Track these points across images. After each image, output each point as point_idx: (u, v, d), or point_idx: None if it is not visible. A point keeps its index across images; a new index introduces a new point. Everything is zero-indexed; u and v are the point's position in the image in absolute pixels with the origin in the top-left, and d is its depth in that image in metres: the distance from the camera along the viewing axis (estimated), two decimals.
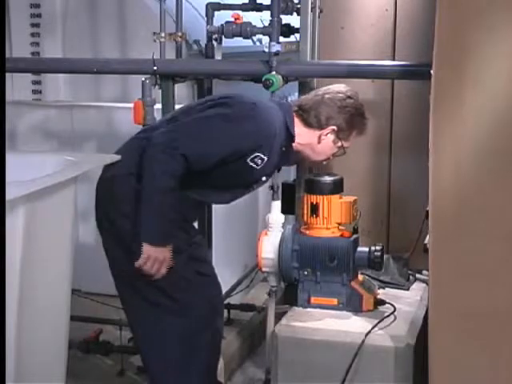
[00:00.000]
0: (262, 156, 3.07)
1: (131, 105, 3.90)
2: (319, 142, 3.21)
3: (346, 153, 3.29)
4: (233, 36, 3.84)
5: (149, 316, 3.15)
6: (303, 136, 3.21)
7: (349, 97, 3.22)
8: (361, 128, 3.26)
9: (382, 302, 3.33)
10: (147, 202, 2.98)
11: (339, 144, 3.22)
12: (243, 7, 4.05)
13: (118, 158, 3.50)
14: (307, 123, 3.20)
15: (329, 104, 3.20)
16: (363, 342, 3.07)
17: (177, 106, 3.99)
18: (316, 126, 3.20)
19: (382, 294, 3.44)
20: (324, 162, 3.35)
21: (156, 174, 2.97)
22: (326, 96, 3.22)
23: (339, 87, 3.27)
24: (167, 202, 2.98)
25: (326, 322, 3.23)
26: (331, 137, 3.21)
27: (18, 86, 5.23)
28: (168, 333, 3.13)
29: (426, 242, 2.94)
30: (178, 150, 2.95)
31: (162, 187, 2.96)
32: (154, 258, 2.99)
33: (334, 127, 3.19)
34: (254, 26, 3.82)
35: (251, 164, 3.07)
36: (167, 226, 3.04)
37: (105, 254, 3.24)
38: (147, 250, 2.98)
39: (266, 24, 3.92)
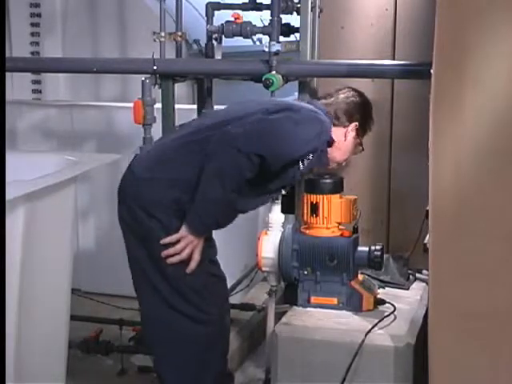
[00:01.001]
0: (311, 157, 3.15)
1: (131, 104, 3.89)
2: (345, 139, 3.31)
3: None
4: (233, 35, 3.84)
5: (167, 317, 3.11)
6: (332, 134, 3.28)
7: (360, 95, 3.39)
8: (371, 124, 3.41)
9: (382, 302, 3.33)
10: (210, 193, 2.97)
11: (358, 141, 3.34)
12: (243, 7, 4.05)
13: (117, 157, 3.50)
14: (332, 123, 3.29)
15: (346, 101, 3.34)
16: (363, 341, 3.06)
17: (177, 106, 3.99)
18: (340, 124, 3.30)
19: (381, 293, 3.44)
20: (343, 164, 3.43)
21: (223, 167, 2.95)
22: (341, 95, 3.36)
23: (348, 89, 3.41)
24: (224, 199, 2.99)
25: (325, 322, 3.23)
26: (353, 133, 3.31)
27: (17, 85, 5.24)
28: (184, 336, 3.11)
29: (425, 241, 2.94)
30: (254, 150, 2.94)
31: (229, 184, 2.96)
32: (190, 239, 2.99)
33: (356, 123, 3.31)
34: (254, 26, 3.82)
35: (300, 165, 3.15)
36: (214, 223, 3.09)
37: (126, 251, 3.16)
38: (184, 231, 2.99)
39: (266, 23, 3.92)
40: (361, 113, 3.35)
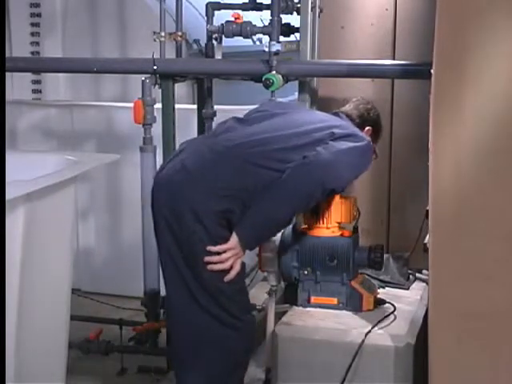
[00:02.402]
0: None
1: (131, 104, 3.90)
2: None
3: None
4: (233, 35, 3.84)
5: (197, 318, 3.07)
6: None
7: (368, 102, 3.49)
8: (381, 132, 3.52)
9: (382, 302, 3.33)
10: (276, 213, 3.00)
11: (373, 146, 3.33)
12: (243, 6, 4.05)
13: (116, 157, 3.50)
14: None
15: (358, 107, 3.44)
16: (363, 341, 3.06)
17: (177, 106, 3.99)
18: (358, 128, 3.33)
19: (381, 293, 3.44)
20: None
21: (299, 196, 2.99)
22: (352, 104, 3.47)
23: (358, 98, 3.52)
24: (284, 221, 3.06)
25: (325, 322, 3.22)
26: (368, 138, 3.30)
27: (17, 85, 5.24)
28: (213, 340, 3.08)
29: (425, 241, 2.94)
30: (327, 185, 3.00)
31: (293, 211, 3.04)
32: (237, 251, 2.98)
33: (369, 128, 3.39)
34: (254, 26, 3.82)
35: None
36: (265, 240, 3.17)
37: (159, 246, 3.11)
38: (234, 243, 2.98)
39: (266, 23, 3.93)
40: (373, 118, 3.43)
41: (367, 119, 3.42)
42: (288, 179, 2.98)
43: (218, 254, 2.97)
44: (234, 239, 2.98)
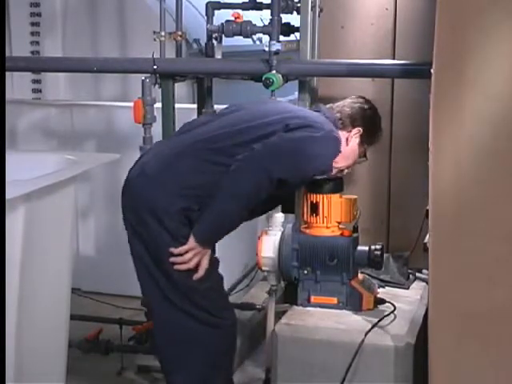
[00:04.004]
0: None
1: (131, 104, 3.90)
2: (347, 144, 3.28)
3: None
4: (233, 35, 3.84)
5: (177, 320, 3.11)
6: None
7: (367, 101, 3.41)
8: (379, 135, 3.42)
9: (382, 301, 3.33)
10: (226, 209, 2.99)
11: (363, 148, 3.32)
12: (243, 6, 4.05)
13: (116, 157, 3.50)
14: (336, 125, 3.27)
15: (352, 106, 3.34)
16: (363, 341, 3.06)
17: (177, 106, 3.99)
18: (343, 128, 3.29)
19: (381, 292, 3.44)
20: (345, 171, 3.38)
21: (249, 189, 2.98)
22: (348, 101, 3.38)
23: (356, 96, 3.43)
24: (237, 215, 3.04)
25: (325, 321, 3.22)
26: (356, 139, 3.30)
27: (18, 85, 5.24)
28: (196, 339, 3.11)
29: (425, 240, 2.94)
30: (278, 175, 2.97)
31: (242, 204, 3.00)
32: (199, 250, 3.00)
33: (360, 128, 3.30)
34: (254, 25, 3.82)
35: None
36: (222, 236, 3.12)
37: (131, 251, 3.15)
38: (192, 242, 3.00)
39: (266, 23, 3.93)
40: (366, 119, 3.34)
41: (358, 119, 3.33)
42: (232, 173, 2.99)
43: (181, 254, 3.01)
44: (191, 239, 3.01)
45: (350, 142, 3.30)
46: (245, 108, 3.30)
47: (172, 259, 3.01)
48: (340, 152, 3.20)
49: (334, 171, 3.30)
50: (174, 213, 3.00)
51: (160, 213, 3.00)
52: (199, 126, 3.24)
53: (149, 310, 3.30)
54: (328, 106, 3.40)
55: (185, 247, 3.00)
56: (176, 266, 3.01)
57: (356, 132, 3.30)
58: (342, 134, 3.28)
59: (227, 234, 3.16)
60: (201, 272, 3.04)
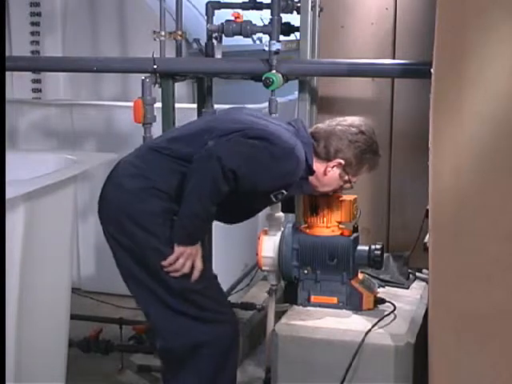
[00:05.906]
0: (285, 192, 3.08)
1: (131, 103, 3.90)
2: (325, 174, 3.14)
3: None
4: (233, 34, 3.85)
5: (180, 326, 3.07)
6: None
7: (361, 132, 3.15)
8: (371, 164, 3.20)
9: (382, 301, 3.33)
10: (191, 208, 2.95)
11: (346, 178, 3.17)
12: (243, 6, 4.05)
13: (117, 156, 3.50)
14: (315, 153, 3.13)
15: (340, 136, 3.12)
16: (363, 340, 3.06)
17: (177, 105, 3.99)
18: (324, 158, 3.13)
19: (381, 292, 3.44)
20: (331, 194, 3.28)
21: (208, 184, 2.91)
22: (339, 128, 3.15)
23: (354, 120, 3.19)
24: (206, 212, 2.97)
25: (325, 321, 3.23)
26: (337, 170, 3.14)
27: (18, 84, 5.24)
28: (200, 341, 3.07)
29: (425, 240, 2.95)
30: (230, 165, 2.89)
31: (207, 202, 2.93)
32: (188, 253, 2.97)
33: (342, 161, 3.12)
34: (254, 25, 3.82)
35: (273, 198, 3.10)
36: (201, 234, 3.07)
37: (117, 265, 3.13)
38: (178, 249, 2.97)
39: (266, 23, 3.93)
40: (351, 153, 3.11)
41: (343, 151, 3.11)
42: (189, 175, 2.95)
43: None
44: (175, 245, 2.98)
45: (329, 172, 3.14)
46: (213, 116, 3.31)
47: (166, 270, 2.98)
48: (298, 173, 3.06)
49: (317, 193, 3.25)
50: (151, 214, 2.99)
51: (137, 215, 2.99)
52: (178, 129, 3.28)
53: (150, 322, 3.26)
54: (318, 125, 3.25)
55: (172, 257, 2.97)
56: (171, 274, 2.99)
57: (335, 164, 3.12)
58: (320, 164, 3.13)
59: (206, 230, 3.15)
60: (196, 273, 3.01)
